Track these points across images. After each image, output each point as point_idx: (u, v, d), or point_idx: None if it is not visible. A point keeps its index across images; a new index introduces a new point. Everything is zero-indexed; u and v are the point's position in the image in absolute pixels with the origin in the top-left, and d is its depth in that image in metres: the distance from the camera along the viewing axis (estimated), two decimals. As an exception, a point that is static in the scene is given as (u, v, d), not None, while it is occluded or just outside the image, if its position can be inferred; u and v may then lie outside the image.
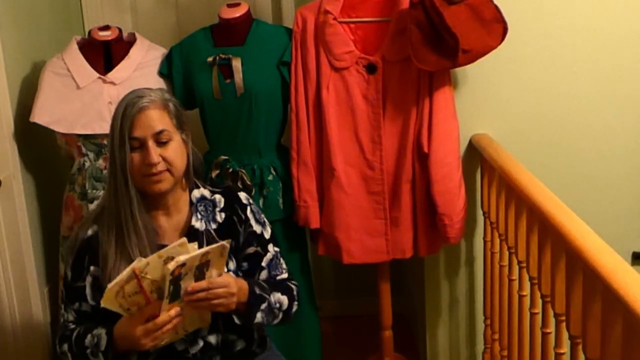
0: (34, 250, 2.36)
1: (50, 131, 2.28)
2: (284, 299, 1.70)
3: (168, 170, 1.61)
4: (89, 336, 1.58)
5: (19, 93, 2.36)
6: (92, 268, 1.63)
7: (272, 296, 1.67)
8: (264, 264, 1.75)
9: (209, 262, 1.51)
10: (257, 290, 1.64)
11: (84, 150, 2.26)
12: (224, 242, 1.53)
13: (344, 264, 2.28)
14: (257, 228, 1.75)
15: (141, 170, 1.59)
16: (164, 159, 1.60)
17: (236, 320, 1.63)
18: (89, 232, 1.66)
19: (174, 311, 1.49)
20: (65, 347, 1.62)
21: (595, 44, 2.25)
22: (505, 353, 2.07)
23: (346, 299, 3.18)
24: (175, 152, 1.62)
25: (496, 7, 2.04)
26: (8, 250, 2.27)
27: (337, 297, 3.18)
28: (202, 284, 1.50)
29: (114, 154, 1.59)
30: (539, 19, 2.23)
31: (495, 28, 2.04)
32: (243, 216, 1.74)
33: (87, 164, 2.26)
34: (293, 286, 1.77)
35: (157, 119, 1.60)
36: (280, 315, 1.70)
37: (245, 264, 1.73)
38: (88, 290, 1.63)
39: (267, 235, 1.77)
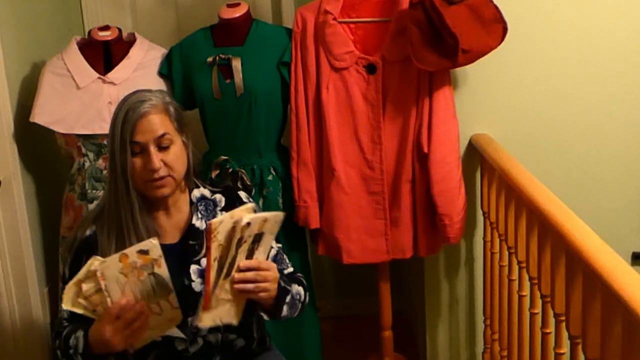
0: (34, 250, 2.36)
1: (50, 131, 2.28)
2: (301, 290, 1.72)
3: (170, 175, 1.61)
4: (72, 337, 1.58)
5: (19, 93, 2.36)
6: None
7: (292, 287, 1.68)
8: (269, 260, 1.74)
9: (262, 238, 1.49)
10: (282, 283, 1.62)
11: (83, 150, 2.26)
12: (280, 213, 1.51)
13: (344, 264, 2.28)
14: None
15: (143, 176, 1.59)
16: (166, 164, 1.59)
17: (265, 317, 1.65)
18: (88, 232, 1.66)
19: (139, 306, 1.47)
20: (57, 343, 1.62)
21: (595, 43, 2.25)
22: (505, 353, 2.07)
23: (346, 299, 3.18)
24: (176, 156, 1.62)
25: (496, 7, 2.04)
26: (8, 250, 2.27)
27: (337, 297, 3.18)
28: (253, 262, 1.49)
29: (115, 158, 1.59)
30: (539, 19, 2.23)
31: (495, 28, 2.04)
32: None
33: (87, 164, 2.26)
34: (301, 278, 1.79)
35: (158, 124, 1.59)
36: (300, 306, 1.71)
37: None
38: None
39: None
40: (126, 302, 1.46)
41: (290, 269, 1.80)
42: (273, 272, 1.52)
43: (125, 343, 1.48)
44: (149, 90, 1.67)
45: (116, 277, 1.46)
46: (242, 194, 1.79)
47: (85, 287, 1.45)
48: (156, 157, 1.58)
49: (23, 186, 2.31)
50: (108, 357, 1.58)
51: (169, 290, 1.52)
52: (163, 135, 1.59)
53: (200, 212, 1.70)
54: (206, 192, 1.74)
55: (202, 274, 1.66)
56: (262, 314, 1.64)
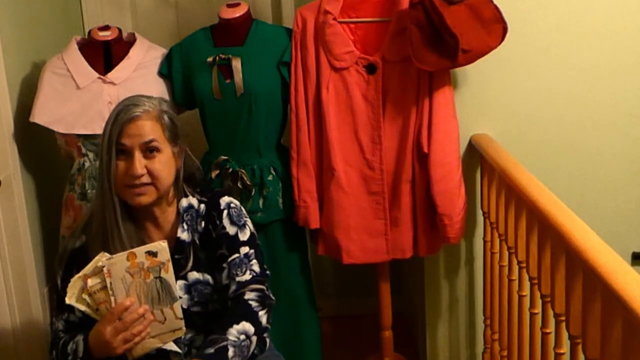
0: (34, 250, 2.36)
1: (50, 131, 2.28)
2: (246, 325, 1.55)
3: (152, 184, 1.58)
4: (70, 343, 1.56)
5: (19, 93, 2.36)
6: None
7: (229, 335, 1.52)
8: (225, 264, 1.64)
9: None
10: (211, 350, 1.48)
11: (83, 150, 2.26)
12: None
13: (344, 264, 2.28)
14: (230, 229, 1.67)
15: (124, 180, 1.57)
16: (149, 172, 1.57)
17: None
18: (77, 243, 1.64)
19: (142, 309, 1.46)
20: (54, 353, 1.61)
21: (595, 43, 2.25)
22: (505, 353, 2.07)
23: (346, 299, 3.18)
24: (162, 166, 1.59)
25: (496, 7, 2.04)
26: (8, 250, 2.27)
27: (337, 297, 3.18)
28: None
29: (102, 159, 1.57)
30: (539, 19, 2.23)
31: (495, 28, 2.04)
32: (218, 222, 1.67)
33: (87, 164, 2.26)
34: (253, 294, 1.61)
35: (148, 129, 1.57)
36: (255, 339, 1.56)
37: (210, 276, 1.66)
38: None
39: (242, 237, 1.67)
40: (130, 303, 1.46)
41: (247, 277, 1.63)
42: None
43: (124, 346, 1.46)
44: (148, 97, 1.64)
45: (122, 275, 1.45)
46: (223, 200, 1.69)
47: (90, 282, 1.44)
48: (139, 162, 1.55)
49: (23, 186, 2.31)
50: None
51: (174, 298, 1.51)
52: (150, 141, 1.57)
53: (186, 223, 1.67)
54: (194, 202, 1.70)
55: (189, 289, 1.64)
56: None
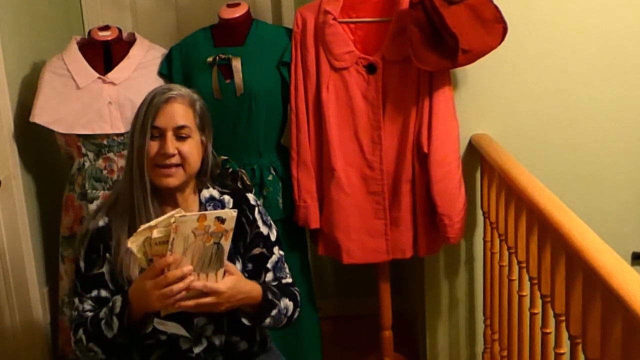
0: (34, 250, 2.37)
1: (50, 131, 2.28)
2: (290, 305, 1.71)
3: (182, 165, 1.63)
4: (103, 309, 1.57)
5: (19, 93, 2.36)
6: (107, 255, 1.63)
7: (281, 301, 1.68)
8: (269, 265, 1.75)
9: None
10: (270, 296, 1.64)
11: (83, 150, 2.26)
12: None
13: (344, 264, 2.28)
14: (263, 229, 1.76)
15: (155, 160, 1.61)
16: (180, 153, 1.62)
17: (245, 322, 1.64)
18: (101, 222, 1.66)
19: (186, 269, 1.46)
20: (81, 331, 1.59)
21: (595, 44, 2.25)
22: (505, 353, 2.07)
23: (346, 299, 3.18)
24: (192, 149, 1.64)
25: (496, 7, 2.04)
26: (8, 250, 2.27)
27: (337, 297, 3.18)
28: (198, 284, 1.49)
29: (134, 139, 1.62)
30: (539, 19, 2.23)
31: (495, 28, 2.04)
32: (251, 217, 1.75)
33: (87, 164, 2.26)
34: (297, 292, 1.77)
35: (181, 113, 1.63)
36: (285, 321, 1.71)
37: (250, 265, 1.73)
38: (107, 277, 1.63)
39: (273, 237, 1.78)
40: (173, 259, 1.46)
41: (289, 280, 1.78)
42: (216, 297, 1.51)
43: (163, 301, 1.47)
44: (182, 86, 1.71)
45: (186, 235, 1.46)
46: (250, 196, 1.79)
47: (156, 233, 1.45)
48: (172, 143, 1.61)
49: (23, 186, 2.32)
50: (147, 322, 1.57)
51: (222, 264, 1.52)
52: (183, 126, 1.62)
53: None
54: (215, 193, 1.75)
55: None
56: (242, 318, 1.63)
